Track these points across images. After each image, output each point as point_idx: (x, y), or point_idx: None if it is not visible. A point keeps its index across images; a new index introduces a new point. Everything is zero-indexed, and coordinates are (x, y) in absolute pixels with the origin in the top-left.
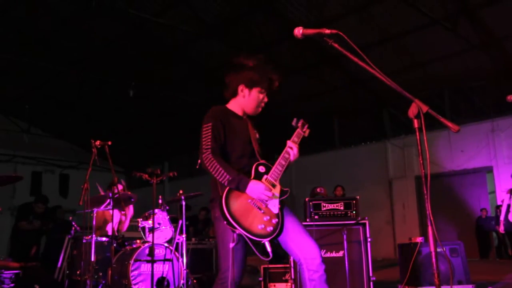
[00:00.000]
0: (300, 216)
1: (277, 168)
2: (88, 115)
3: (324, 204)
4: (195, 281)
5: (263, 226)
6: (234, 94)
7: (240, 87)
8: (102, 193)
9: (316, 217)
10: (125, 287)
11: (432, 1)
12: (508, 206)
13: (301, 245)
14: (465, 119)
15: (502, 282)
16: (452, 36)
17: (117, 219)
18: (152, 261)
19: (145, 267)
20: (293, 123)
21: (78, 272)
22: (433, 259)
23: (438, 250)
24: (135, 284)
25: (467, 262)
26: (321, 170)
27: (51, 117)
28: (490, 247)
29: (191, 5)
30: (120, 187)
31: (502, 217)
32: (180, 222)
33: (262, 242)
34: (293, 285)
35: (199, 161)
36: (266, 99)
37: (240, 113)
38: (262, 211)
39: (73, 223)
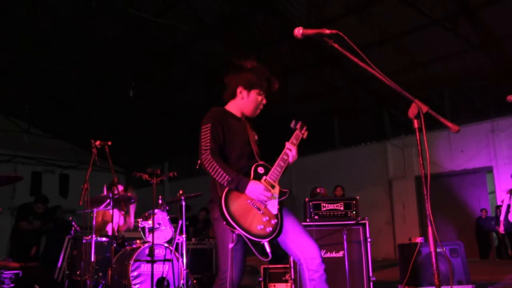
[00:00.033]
0: (300, 216)
1: (276, 169)
2: (88, 115)
3: (324, 204)
4: (195, 281)
5: (262, 226)
6: (233, 95)
7: (239, 89)
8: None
9: (316, 217)
10: (125, 287)
11: (432, 1)
12: (508, 206)
13: (301, 245)
14: (465, 119)
15: (502, 282)
16: (452, 36)
17: (117, 219)
18: (152, 261)
19: (145, 267)
20: (292, 125)
21: (78, 272)
22: (433, 259)
23: (438, 250)
24: (135, 284)
25: (467, 262)
26: (321, 170)
27: (51, 117)
28: (490, 247)
29: (191, 5)
30: (120, 187)
31: (502, 217)
32: (180, 222)
33: (262, 242)
34: (293, 285)
35: (199, 161)
36: (264, 101)
37: (238, 114)
38: (261, 212)
39: (73, 223)
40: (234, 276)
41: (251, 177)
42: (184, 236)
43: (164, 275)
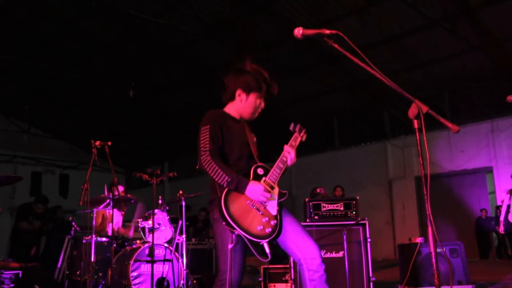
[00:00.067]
0: (300, 216)
1: (276, 171)
2: (88, 116)
3: (324, 205)
4: (195, 281)
5: (262, 227)
6: (232, 97)
7: (238, 92)
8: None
9: (316, 217)
10: (125, 287)
11: (432, 2)
12: (508, 206)
13: (301, 245)
14: (465, 120)
15: (502, 282)
16: (452, 37)
17: (117, 219)
18: (152, 262)
19: (145, 268)
20: (291, 128)
21: (78, 273)
22: (433, 260)
23: (438, 250)
24: (135, 285)
25: (467, 263)
26: (321, 170)
27: (51, 117)
28: (490, 247)
29: (191, 6)
30: (121, 188)
31: (502, 218)
32: (180, 222)
33: (261, 243)
34: (293, 285)
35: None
36: (263, 105)
37: (237, 116)
38: (260, 212)
39: (73, 224)
40: (234, 277)
41: (251, 178)
42: (184, 236)
43: (164, 275)
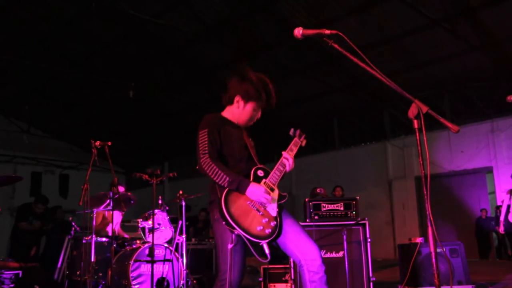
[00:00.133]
0: (300, 216)
1: (276, 173)
2: (88, 116)
3: (324, 205)
4: (195, 281)
5: (261, 227)
6: (230, 102)
7: (237, 98)
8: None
9: (316, 217)
10: (125, 287)
11: (431, 2)
12: (508, 206)
13: (301, 246)
14: (465, 120)
15: (502, 282)
16: (452, 37)
17: (117, 219)
18: (152, 262)
19: (145, 268)
20: (291, 133)
21: (78, 273)
22: (433, 260)
23: (438, 250)
24: (135, 285)
25: (467, 263)
26: (321, 170)
27: (51, 117)
28: (490, 247)
29: (191, 6)
30: (121, 188)
31: (502, 218)
32: (180, 222)
33: (261, 244)
34: (293, 286)
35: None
36: (259, 115)
37: (234, 121)
38: (260, 213)
39: (73, 224)
40: (233, 277)
41: (251, 180)
42: (184, 236)
43: (164, 275)
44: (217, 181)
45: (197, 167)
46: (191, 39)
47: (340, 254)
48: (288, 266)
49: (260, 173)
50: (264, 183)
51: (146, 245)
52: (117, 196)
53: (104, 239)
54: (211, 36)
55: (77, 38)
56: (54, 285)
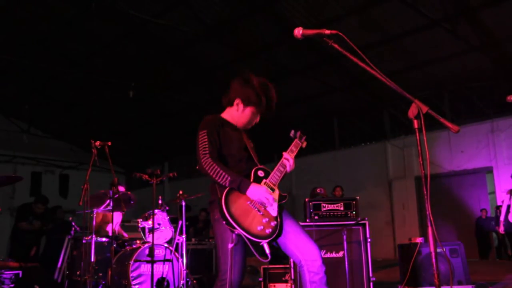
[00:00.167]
0: (300, 216)
1: (276, 174)
2: (88, 116)
3: (324, 205)
4: (195, 281)
5: (262, 227)
6: (230, 104)
7: (237, 100)
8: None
9: (316, 217)
10: (125, 287)
11: (432, 2)
12: (508, 206)
13: (301, 247)
14: (465, 120)
15: (502, 282)
16: (452, 37)
17: (117, 219)
18: (152, 262)
19: (145, 268)
20: (291, 134)
21: (78, 273)
22: (433, 260)
23: (438, 250)
24: (135, 285)
25: (467, 263)
26: (321, 170)
27: (51, 117)
28: (490, 247)
29: (191, 6)
30: (121, 188)
31: (502, 218)
32: (180, 222)
33: (261, 243)
34: (292, 286)
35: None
36: (258, 119)
37: (234, 123)
38: (261, 213)
39: (73, 224)
40: (234, 277)
41: (251, 180)
42: (184, 236)
43: (164, 276)
44: (218, 180)
45: (197, 167)
46: (191, 39)
47: (340, 254)
48: (288, 266)
49: (261, 173)
50: (265, 183)
51: (146, 245)
52: (117, 195)
53: (104, 239)
54: (211, 36)
55: (77, 38)
56: (54, 285)
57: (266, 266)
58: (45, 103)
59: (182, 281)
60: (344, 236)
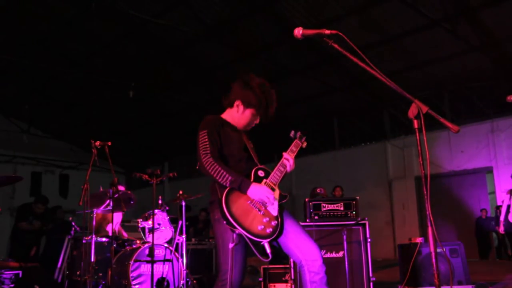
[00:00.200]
0: (300, 216)
1: (276, 174)
2: (88, 116)
3: (324, 205)
4: (195, 281)
5: (262, 227)
6: (230, 105)
7: (237, 102)
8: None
9: (316, 217)
10: (125, 287)
11: (432, 2)
12: (508, 206)
13: (302, 247)
14: (465, 120)
15: (502, 282)
16: (452, 37)
17: (117, 219)
18: (152, 262)
19: (145, 268)
20: (291, 135)
21: (78, 273)
22: (433, 260)
23: (438, 250)
24: (135, 285)
25: (467, 263)
26: (321, 170)
27: (51, 117)
28: (490, 247)
29: (191, 6)
30: (121, 188)
31: (502, 218)
32: (180, 222)
33: (262, 243)
34: (293, 286)
35: (198, 163)
36: (257, 121)
37: (233, 124)
38: (261, 213)
39: (73, 224)
40: (234, 277)
41: (251, 180)
42: (184, 236)
43: (164, 276)
44: (219, 180)
45: (197, 167)
46: (191, 39)
47: (340, 254)
48: (288, 266)
49: (261, 173)
50: (265, 183)
51: (146, 245)
52: (117, 195)
53: (104, 239)
54: (211, 36)
55: (77, 38)
56: (54, 285)
57: (266, 266)
58: (45, 103)
59: (182, 281)
60: (344, 236)
